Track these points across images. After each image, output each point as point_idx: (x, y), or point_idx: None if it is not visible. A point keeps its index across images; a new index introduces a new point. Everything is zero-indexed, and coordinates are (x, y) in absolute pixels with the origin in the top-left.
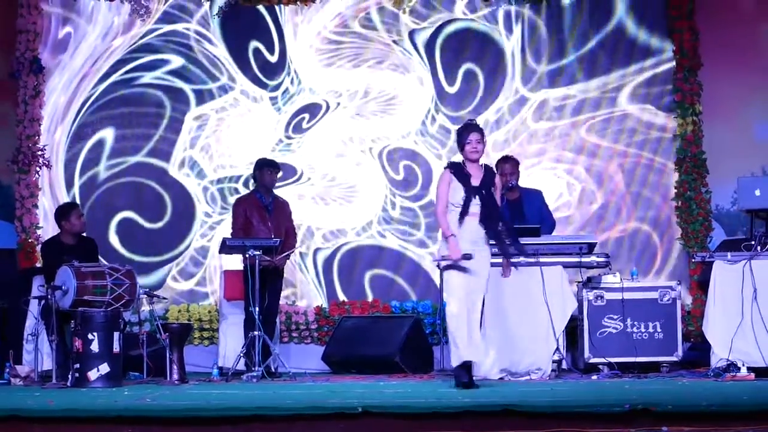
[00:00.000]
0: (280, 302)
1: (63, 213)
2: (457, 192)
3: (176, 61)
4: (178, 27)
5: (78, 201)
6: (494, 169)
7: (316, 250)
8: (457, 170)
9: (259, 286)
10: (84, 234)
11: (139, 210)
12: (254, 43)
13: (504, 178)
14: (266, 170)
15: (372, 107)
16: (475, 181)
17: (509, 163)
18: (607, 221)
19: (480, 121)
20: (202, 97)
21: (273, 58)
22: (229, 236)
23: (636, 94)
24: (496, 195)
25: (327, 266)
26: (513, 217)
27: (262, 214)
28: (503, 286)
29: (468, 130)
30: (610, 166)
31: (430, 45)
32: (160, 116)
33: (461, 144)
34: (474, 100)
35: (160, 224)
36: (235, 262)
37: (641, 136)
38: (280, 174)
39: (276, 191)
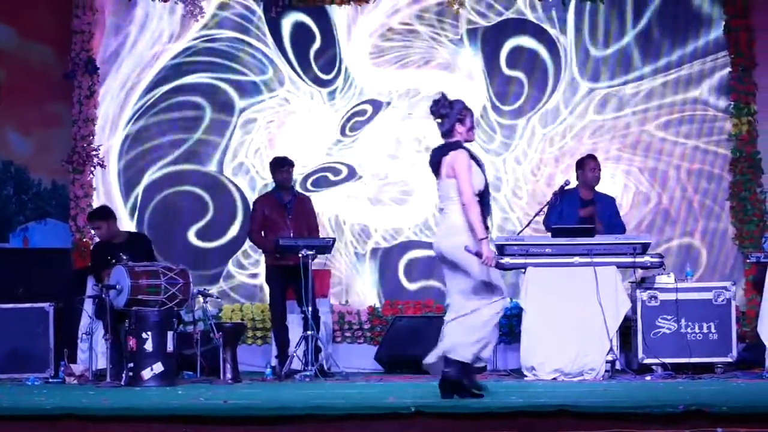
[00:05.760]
0: (333, 302)
1: (108, 214)
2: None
3: (228, 63)
4: (231, 27)
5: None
6: None
7: (369, 250)
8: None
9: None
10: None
11: (190, 212)
12: (306, 43)
13: (593, 173)
14: (276, 170)
15: (424, 106)
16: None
17: (596, 161)
18: (660, 221)
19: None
20: (255, 97)
21: (325, 58)
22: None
23: (689, 93)
24: None
25: (380, 266)
26: (583, 219)
27: (281, 213)
28: (556, 286)
29: None
30: (663, 166)
31: (482, 42)
32: (212, 118)
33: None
34: (526, 96)
35: (207, 220)
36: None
37: (695, 137)
38: (293, 170)
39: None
